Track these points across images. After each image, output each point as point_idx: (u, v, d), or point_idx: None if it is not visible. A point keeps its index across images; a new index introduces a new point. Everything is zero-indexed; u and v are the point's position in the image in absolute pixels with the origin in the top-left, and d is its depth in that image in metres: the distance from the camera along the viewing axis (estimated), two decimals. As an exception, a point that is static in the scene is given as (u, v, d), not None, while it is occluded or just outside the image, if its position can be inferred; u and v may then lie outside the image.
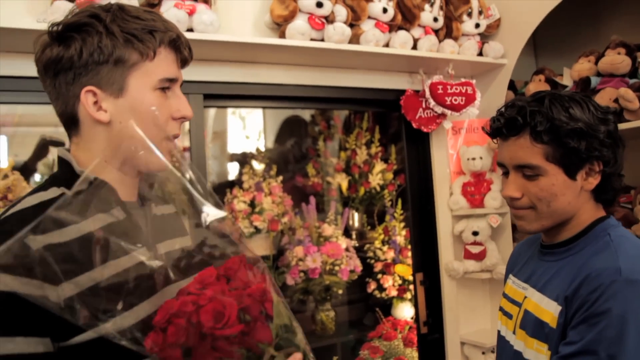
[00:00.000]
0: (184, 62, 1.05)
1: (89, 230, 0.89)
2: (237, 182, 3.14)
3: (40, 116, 2.84)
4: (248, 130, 3.93)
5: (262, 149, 3.40)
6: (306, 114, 3.76)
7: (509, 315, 1.31)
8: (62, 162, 1.00)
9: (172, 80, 1.00)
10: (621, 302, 1.02)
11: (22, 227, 0.80)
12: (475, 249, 2.39)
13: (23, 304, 0.78)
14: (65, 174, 0.98)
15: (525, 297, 1.24)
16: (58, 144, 2.75)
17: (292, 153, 3.78)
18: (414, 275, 2.51)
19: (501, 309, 1.37)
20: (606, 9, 2.58)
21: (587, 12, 2.60)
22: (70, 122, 0.99)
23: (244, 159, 3.58)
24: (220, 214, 1.19)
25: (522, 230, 1.25)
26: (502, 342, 1.33)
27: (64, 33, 0.94)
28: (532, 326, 1.18)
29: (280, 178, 3.03)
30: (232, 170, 3.60)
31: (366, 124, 3.33)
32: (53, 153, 2.64)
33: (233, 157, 3.66)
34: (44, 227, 0.83)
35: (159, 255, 0.98)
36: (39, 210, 0.88)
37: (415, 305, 2.50)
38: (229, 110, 3.72)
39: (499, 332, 1.36)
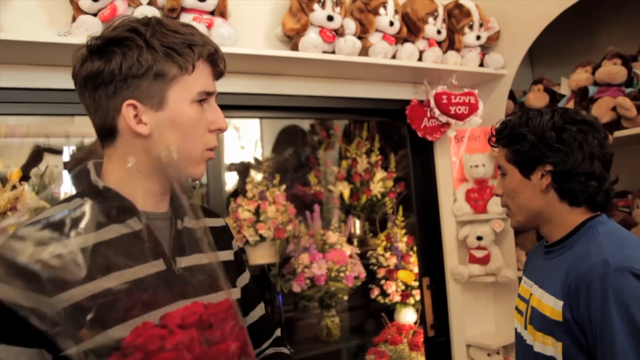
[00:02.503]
0: (219, 75, 1.07)
1: (97, 241, 0.91)
2: (241, 191, 3.18)
3: (30, 126, 2.86)
4: (243, 140, 3.97)
5: (260, 159, 3.45)
6: (305, 124, 3.82)
7: (520, 312, 1.42)
8: (85, 173, 1.02)
9: (209, 94, 1.02)
10: (619, 292, 1.12)
11: (34, 237, 0.83)
12: (479, 253, 2.46)
13: (13, 313, 0.80)
14: (86, 185, 1.00)
15: (531, 294, 1.36)
16: (54, 151, 2.77)
17: (290, 162, 3.83)
18: (420, 279, 2.58)
19: (516, 308, 1.48)
20: (600, 21, 2.68)
21: (582, 23, 2.70)
22: (108, 134, 1.00)
23: (243, 169, 3.63)
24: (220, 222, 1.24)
25: (511, 226, 1.48)
26: (518, 338, 1.43)
27: (104, 47, 0.95)
28: (538, 320, 1.29)
29: (284, 187, 3.08)
30: (230, 180, 3.63)
31: (366, 133, 3.40)
32: (46, 161, 2.65)
33: (231, 167, 3.70)
34: (49, 238, 0.86)
35: (176, 269, 1.00)
36: (58, 221, 0.91)
37: (422, 309, 2.57)
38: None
39: (515, 329, 1.46)
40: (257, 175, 3.29)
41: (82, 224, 0.92)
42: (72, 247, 0.89)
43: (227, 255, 1.19)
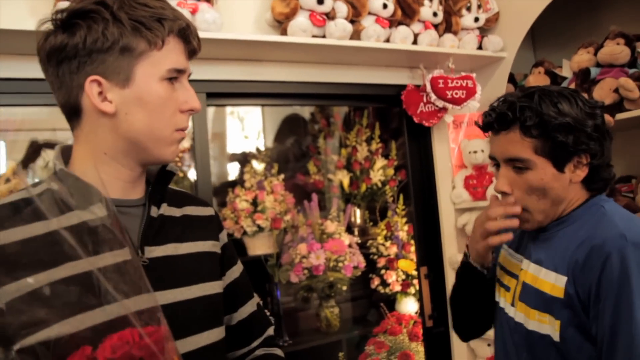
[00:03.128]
0: (192, 53, 1.02)
1: (56, 228, 0.85)
2: (239, 182, 3.15)
3: (29, 122, 2.84)
4: (247, 130, 3.94)
5: (262, 149, 3.41)
6: (305, 112, 3.77)
7: (506, 288, 1.33)
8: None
9: (180, 72, 0.97)
10: (636, 265, 1.05)
11: None
12: (478, 242, 2.40)
13: None
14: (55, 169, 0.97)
15: (522, 269, 1.28)
16: (51, 146, 2.74)
17: (292, 151, 3.79)
18: (418, 269, 2.53)
19: (498, 280, 1.39)
20: (603, 1, 2.60)
21: (584, 4, 2.62)
22: (73, 113, 0.95)
23: (244, 159, 3.60)
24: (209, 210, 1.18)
25: (524, 229, 1.30)
26: (501, 315, 1.34)
27: (68, 20, 0.90)
28: (533, 298, 1.21)
29: (282, 176, 3.04)
30: (232, 170, 3.60)
31: (366, 120, 3.34)
32: (45, 156, 2.63)
33: (233, 158, 3.66)
34: (4, 222, 0.83)
35: (143, 260, 0.95)
36: (14, 208, 0.89)
37: (420, 299, 2.52)
38: (228, 111, 3.73)
39: (497, 303, 1.38)
40: (259, 165, 3.25)
41: (42, 209, 0.87)
42: (26, 233, 0.86)
43: (211, 246, 1.13)
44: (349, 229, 3.17)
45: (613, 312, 1.05)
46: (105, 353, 0.73)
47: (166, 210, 1.06)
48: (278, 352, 1.24)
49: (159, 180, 1.07)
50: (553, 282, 1.16)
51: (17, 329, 0.77)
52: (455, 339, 2.47)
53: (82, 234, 0.87)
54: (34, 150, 2.66)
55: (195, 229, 1.11)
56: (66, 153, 0.99)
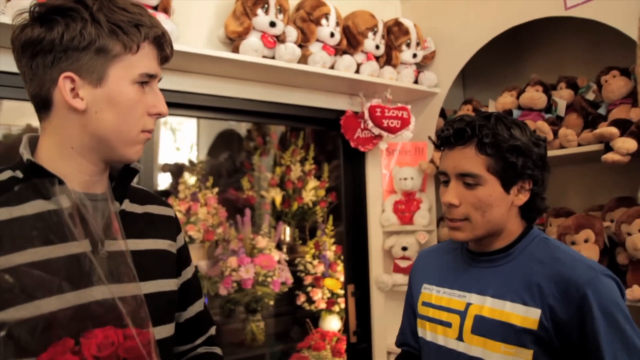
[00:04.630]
0: (164, 60, 1.05)
1: (18, 215, 0.89)
2: (172, 192, 3.15)
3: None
4: (179, 142, 3.94)
5: (195, 161, 3.44)
6: (242, 129, 3.83)
7: (446, 324, 1.36)
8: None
9: (151, 76, 1.00)
10: (611, 294, 1.16)
11: None
12: (404, 263, 2.54)
13: None
14: (18, 158, 0.98)
15: (469, 304, 1.32)
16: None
17: (224, 166, 3.83)
18: (345, 286, 2.63)
19: (430, 319, 1.40)
20: (526, 50, 2.85)
21: (511, 51, 2.86)
22: (43, 105, 0.97)
23: (177, 170, 3.60)
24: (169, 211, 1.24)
25: (455, 239, 1.34)
26: (442, 352, 1.35)
27: (47, 15, 0.92)
28: (498, 331, 1.24)
29: (216, 190, 3.08)
30: (162, 181, 3.58)
31: (301, 141, 3.45)
32: None
33: (165, 168, 3.65)
34: None
35: (102, 252, 0.96)
36: None
37: (346, 315, 2.62)
38: (162, 121, 3.72)
39: (430, 342, 1.39)
40: (190, 178, 3.28)
41: (4, 196, 0.91)
42: None
43: (169, 245, 1.16)
44: (278, 246, 3.24)
45: (608, 340, 1.13)
46: (91, 350, 0.76)
47: (128, 206, 1.10)
48: (218, 350, 1.29)
49: (123, 176, 1.10)
50: (524, 315, 1.21)
51: None
52: (377, 354, 2.58)
53: (44, 222, 0.91)
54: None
55: (155, 227, 1.15)
56: (32, 143, 1.01)
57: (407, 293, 1.57)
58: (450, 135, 1.30)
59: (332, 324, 3.12)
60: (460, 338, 1.31)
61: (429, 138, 1.44)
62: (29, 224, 0.91)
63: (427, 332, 1.42)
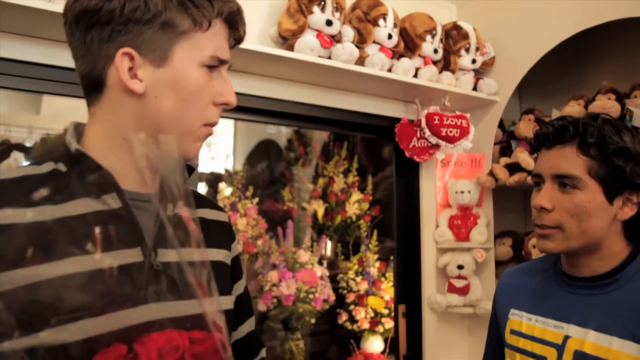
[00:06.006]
0: (237, 41, 0.93)
1: (61, 216, 0.76)
2: (211, 201, 3.03)
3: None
4: (213, 151, 3.84)
5: (231, 171, 3.32)
6: (281, 138, 3.71)
7: (539, 358, 1.20)
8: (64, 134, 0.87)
9: (222, 62, 0.88)
10: None
11: None
12: (459, 283, 2.36)
13: None
14: (62, 148, 0.85)
15: (568, 337, 1.15)
16: (21, 148, 2.58)
17: (261, 177, 3.71)
18: (395, 306, 2.46)
19: (521, 350, 1.25)
20: (589, 58, 2.67)
21: (571, 59, 2.69)
22: (94, 86, 0.84)
23: (213, 180, 3.48)
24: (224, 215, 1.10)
25: (543, 250, 1.19)
26: None
27: None
28: None
29: (256, 200, 2.95)
30: (200, 190, 3.48)
31: (345, 152, 3.30)
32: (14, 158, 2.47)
33: (201, 177, 3.55)
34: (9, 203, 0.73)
35: (156, 263, 0.84)
36: (19, 184, 0.78)
37: (395, 338, 2.44)
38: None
39: None
40: (226, 189, 3.16)
41: (46, 192, 0.78)
42: (28, 217, 0.74)
43: (223, 256, 1.03)
44: (319, 261, 3.09)
45: None
46: (152, 356, 0.64)
47: (180, 209, 0.95)
48: None
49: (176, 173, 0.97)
50: (635, 355, 1.05)
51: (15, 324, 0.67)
52: (428, 381, 2.40)
53: (91, 225, 0.79)
54: (3, 152, 2.48)
55: (210, 235, 1.00)
56: (79, 133, 0.88)
57: (491, 318, 1.40)
58: (550, 132, 1.16)
59: (375, 345, 2.93)
60: None
61: (526, 139, 1.27)
62: (73, 227, 0.77)
63: None
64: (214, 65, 0.87)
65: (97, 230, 0.79)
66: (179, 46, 0.83)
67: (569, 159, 1.13)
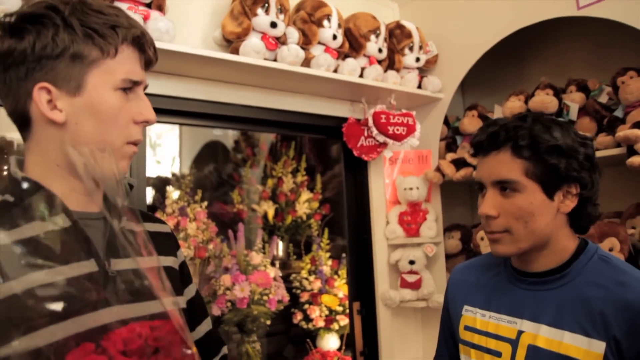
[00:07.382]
0: (148, 64, 0.98)
1: (17, 239, 0.80)
2: (159, 207, 2.97)
3: None
4: (159, 154, 3.77)
5: (178, 174, 3.27)
6: (228, 140, 3.67)
7: (494, 353, 1.21)
8: (8, 166, 0.92)
9: (135, 83, 0.93)
10: None
11: None
12: (411, 278, 2.41)
13: None
14: (7, 179, 0.91)
15: (522, 332, 1.18)
16: None
17: (209, 179, 3.66)
18: (350, 304, 2.48)
19: (476, 346, 1.26)
20: (528, 55, 2.77)
21: (512, 56, 2.77)
22: (22, 122, 0.90)
23: (159, 184, 3.42)
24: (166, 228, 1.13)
25: (496, 254, 1.20)
26: None
27: (17, 24, 0.85)
28: None
29: (205, 203, 2.91)
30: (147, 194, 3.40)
31: (293, 152, 3.30)
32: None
33: (148, 182, 3.46)
34: None
35: (110, 271, 0.89)
36: None
37: (351, 335, 2.46)
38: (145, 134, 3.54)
39: None
40: (173, 193, 3.10)
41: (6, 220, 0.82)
42: None
43: (171, 262, 1.09)
44: (271, 262, 3.08)
45: None
46: (117, 346, 0.70)
47: (125, 224, 0.98)
48: None
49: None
50: (586, 348, 1.07)
51: None
52: (384, 377, 2.43)
53: (45, 244, 0.83)
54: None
55: (156, 245, 1.03)
56: (20, 165, 0.93)
57: (443, 315, 1.42)
58: (483, 140, 1.18)
59: (331, 342, 2.95)
60: None
61: (470, 143, 1.30)
62: (30, 246, 0.81)
63: (469, 358, 1.27)
64: (128, 87, 0.92)
65: (53, 246, 0.83)
66: (91, 74, 0.88)
67: (505, 164, 1.15)
